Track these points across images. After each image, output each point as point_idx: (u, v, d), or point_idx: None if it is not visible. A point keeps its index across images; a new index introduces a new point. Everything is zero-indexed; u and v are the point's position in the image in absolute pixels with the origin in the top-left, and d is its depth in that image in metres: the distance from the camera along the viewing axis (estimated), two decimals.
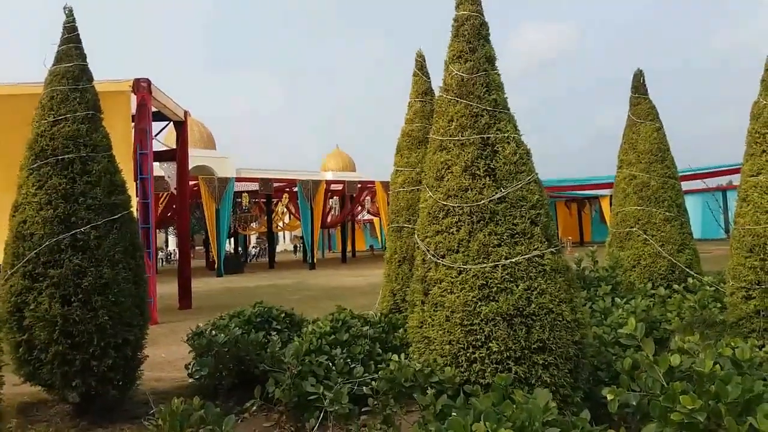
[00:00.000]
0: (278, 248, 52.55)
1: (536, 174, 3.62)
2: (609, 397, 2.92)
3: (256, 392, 4.07)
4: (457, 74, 3.72)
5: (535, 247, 3.42)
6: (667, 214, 6.90)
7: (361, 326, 4.99)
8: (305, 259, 31.54)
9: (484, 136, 3.57)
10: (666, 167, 7.07)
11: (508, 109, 3.74)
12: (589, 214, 41.57)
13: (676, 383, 2.81)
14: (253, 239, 49.26)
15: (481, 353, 3.28)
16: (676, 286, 6.12)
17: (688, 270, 6.71)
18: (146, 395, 4.58)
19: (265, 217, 31.48)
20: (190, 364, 4.89)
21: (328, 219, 34.13)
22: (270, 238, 32.67)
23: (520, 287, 3.30)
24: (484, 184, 3.48)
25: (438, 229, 3.58)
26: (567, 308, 3.37)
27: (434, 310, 3.51)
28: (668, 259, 6.78)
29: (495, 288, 3.32)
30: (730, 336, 4.36)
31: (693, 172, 22.14)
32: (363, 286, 16.22)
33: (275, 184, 27.97)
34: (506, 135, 3.59)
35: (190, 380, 5.00)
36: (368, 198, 32.50)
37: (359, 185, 30.44)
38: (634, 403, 2.87)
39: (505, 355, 3.23)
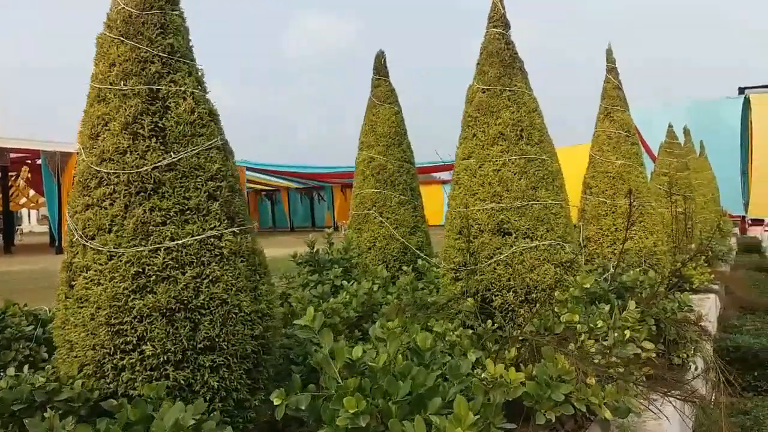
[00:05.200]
0: (25, 229, 46.70)
1: (221, 140, 3.04)
2: (275, 401, 2.47)
3: None
4: (124, 9, 2.95)
5: (212, 226, 2.84)
6: (402, 197, 6.92)
7: (26, 326, 3.97)
8: (52, 243, 27.49)
9: (153, 87, 2.87)
10: (402, 151, 7.09)
11: (192, 60, 3.08)
12: None
13: (350, 380, 2.46)
14: None
15: (131, 359, 2.60)
16: (405, 268, 6.11)
17: (418, 252, 6.81)
18: None
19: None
20: None
21: None
22: (6, 216, 27.79)
23: (186, 275, 2.69)
24: (148, 146, 2.78)
25: (88, 202, 2.79)
26: (247, 298, 2.85)
27: (78, 306, 2.73)
28: (401, 241, 6.81)
29: (154, 277, 2.65)
30: (439, 317, 4.33)
31: (445, 164, 23.99)
32: None
33: (12, 155, 23.95)
34: (183, 89, 2.93)
35: None
36: None
37: None
38: (303, 408, 2.46)
39: (162, 359, 2.60)
